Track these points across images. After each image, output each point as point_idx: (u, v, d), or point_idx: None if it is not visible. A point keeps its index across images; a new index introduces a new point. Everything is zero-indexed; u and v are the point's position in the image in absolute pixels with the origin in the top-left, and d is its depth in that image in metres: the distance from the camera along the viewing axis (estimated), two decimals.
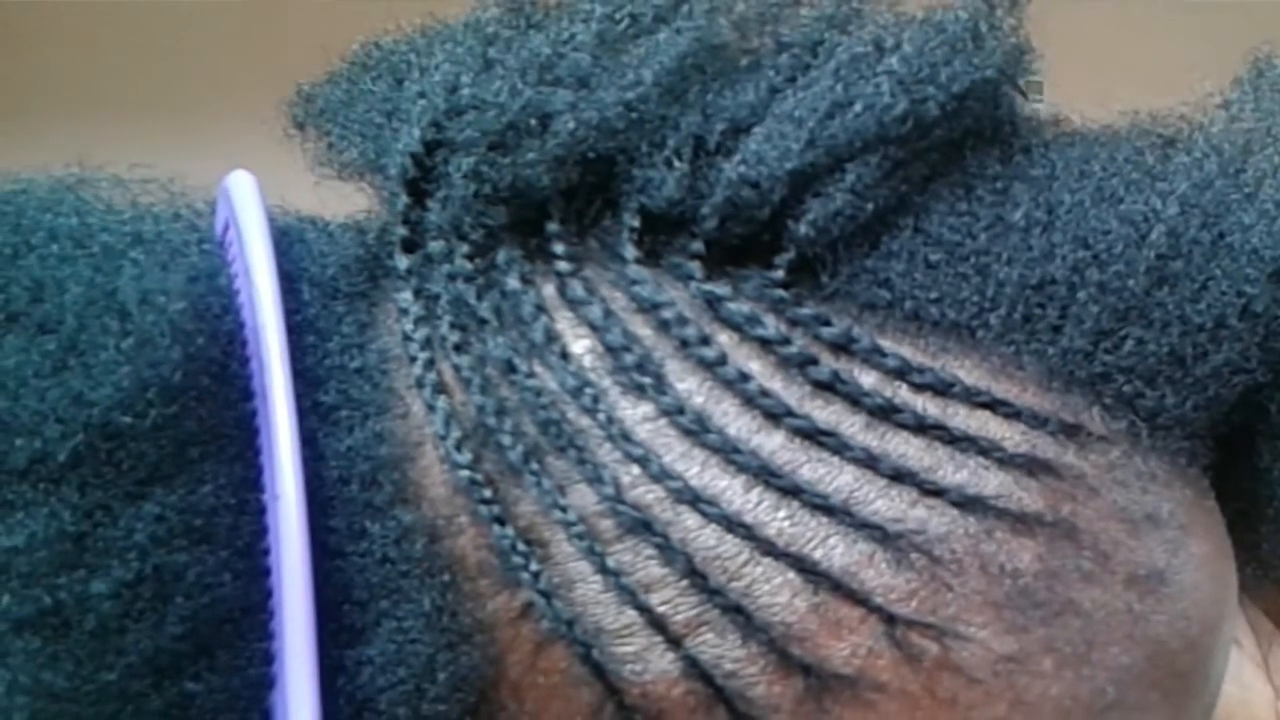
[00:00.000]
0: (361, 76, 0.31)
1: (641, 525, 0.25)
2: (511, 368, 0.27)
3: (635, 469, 0.26)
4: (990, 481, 0.26)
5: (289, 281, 0.28)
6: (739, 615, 0.25)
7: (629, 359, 0.27)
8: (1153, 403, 0.28)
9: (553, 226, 0.28)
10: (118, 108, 0.91)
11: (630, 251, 0.28)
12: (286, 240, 0.29)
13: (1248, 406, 0.29)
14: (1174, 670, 0.28)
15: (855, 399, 0.26)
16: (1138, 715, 0.27)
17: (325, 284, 0.29)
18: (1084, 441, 0.27)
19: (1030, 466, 0.27)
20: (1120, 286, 0.27)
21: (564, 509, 0.26)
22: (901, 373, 0.27)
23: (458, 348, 0.27)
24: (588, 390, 0.26)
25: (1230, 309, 0.28)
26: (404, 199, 0.28)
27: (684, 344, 0.27)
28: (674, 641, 0.25)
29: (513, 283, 0.28)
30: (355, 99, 0.31)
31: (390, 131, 0.29)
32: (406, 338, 0.28)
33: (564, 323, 0.27)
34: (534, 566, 0.26)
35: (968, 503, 0.26)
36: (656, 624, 0.25)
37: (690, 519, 0.26)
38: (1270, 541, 0.31)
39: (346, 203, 0.31)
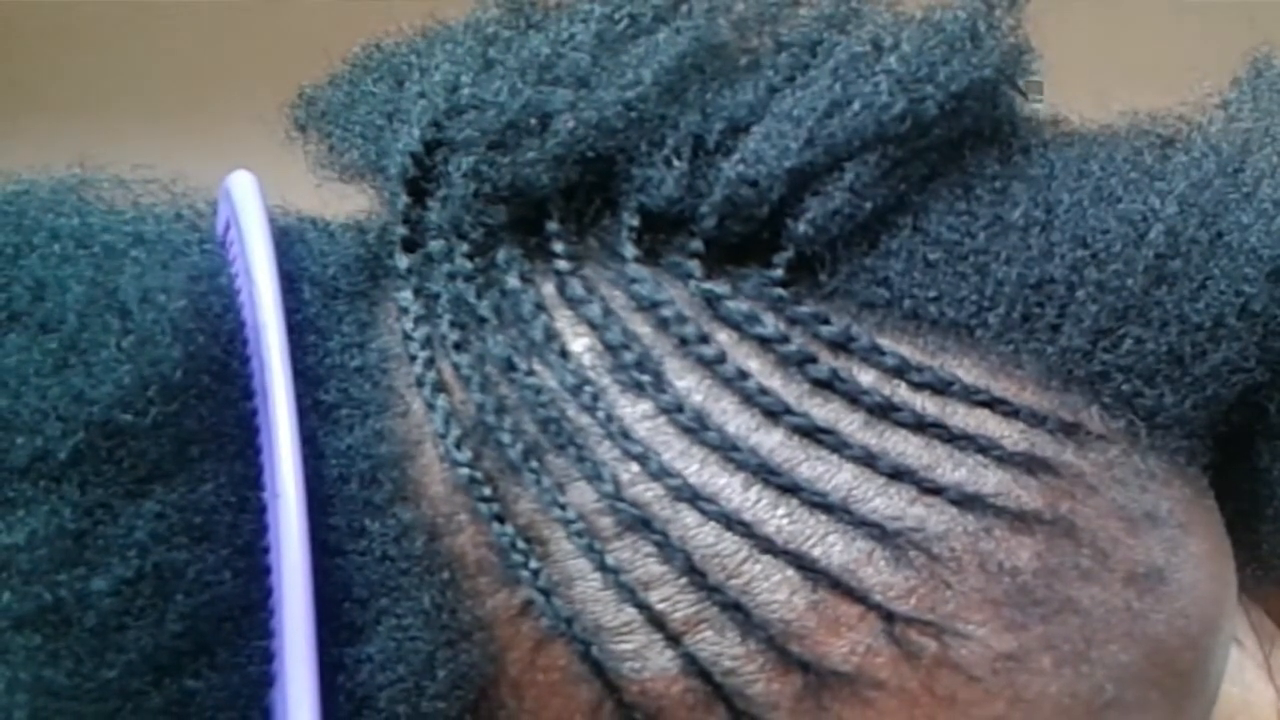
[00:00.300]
0: (362, 78, 0.31)
1: (640, 523, 0.26)
2: (511, 366, 0.27)
3: (634, 467, 0.26)
4: (989, 479, 0.26)
5: (290, 281, 0.28)
6: (738, 613, 0.25)
7: (628, 357, 0.27)
8: (1151, 401, 0.28)
9: (552, 225, 0.28)
10: (119, 108, 0.91)
11: (629, 250, 0.28)
12: (287, 240, 0.29)
13: (1247, 406, 0.29)
14: (1173, 668, 0.28)
15: (854, 397, 0.27)
16: (1137, 713, 0.27)
17: (326, 283, 0.29)
18: (1083, 440, 0.27)
19: (1029, 465, 0.27)
20: (1119, 285, 0.27)
21: (563, 506, 0.26)
22: (900, 371, 0.27)
23: (458, 346, 0.27)
24: (587, 388, 0.26)
25: (1229, 308, 0.28)
26: (404, 198, 0.29)
27: (683, 342, 0.27)
28: (673, 639, 0.25)
29: (512, 281, 0.28)
30: (356, 101, 0.31)
31: (391, 132, 0.29)
32: (407, 336, 0.28)
33: (563, 321, 0.27)
34: (533, 564, 0.26)
35: (966, 501, 0.26)
36: (655, 621, 0.25)
37: (689, 516, 0.26)
38: (1270, 541, 0.31)
39: (348, 203, 0.31)
